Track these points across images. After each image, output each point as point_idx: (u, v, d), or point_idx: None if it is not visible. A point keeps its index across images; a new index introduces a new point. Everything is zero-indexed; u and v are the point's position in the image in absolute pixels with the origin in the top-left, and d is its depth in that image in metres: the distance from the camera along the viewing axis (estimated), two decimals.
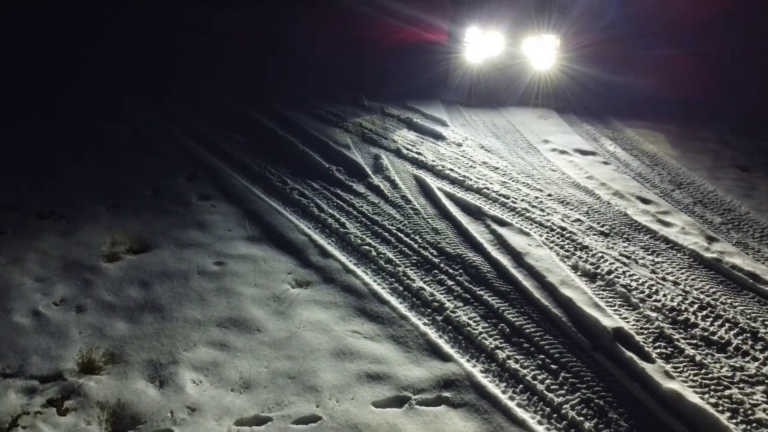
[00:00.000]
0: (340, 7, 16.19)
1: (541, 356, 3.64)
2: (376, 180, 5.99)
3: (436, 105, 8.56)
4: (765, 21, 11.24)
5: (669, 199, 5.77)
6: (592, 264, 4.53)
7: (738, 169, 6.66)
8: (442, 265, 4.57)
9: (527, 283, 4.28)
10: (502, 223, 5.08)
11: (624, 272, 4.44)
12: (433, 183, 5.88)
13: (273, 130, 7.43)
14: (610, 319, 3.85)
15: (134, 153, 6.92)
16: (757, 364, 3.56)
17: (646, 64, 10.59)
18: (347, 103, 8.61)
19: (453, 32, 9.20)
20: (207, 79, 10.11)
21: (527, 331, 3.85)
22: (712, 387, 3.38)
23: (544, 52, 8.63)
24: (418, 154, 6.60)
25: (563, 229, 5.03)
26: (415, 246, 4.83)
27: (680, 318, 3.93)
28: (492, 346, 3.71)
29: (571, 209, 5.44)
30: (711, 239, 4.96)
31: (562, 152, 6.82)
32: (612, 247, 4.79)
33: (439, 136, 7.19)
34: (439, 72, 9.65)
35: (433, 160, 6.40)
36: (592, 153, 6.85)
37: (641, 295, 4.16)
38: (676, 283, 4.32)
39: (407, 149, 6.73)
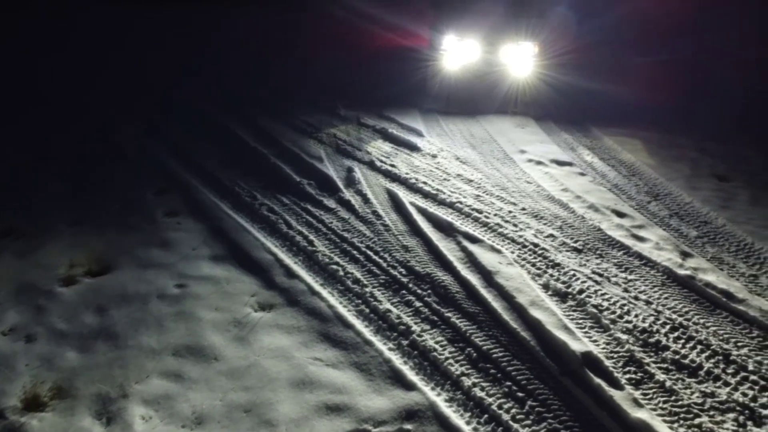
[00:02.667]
0: (322, 14, 16.08)
1: (508, 383, 3.52)
2: (348, 194, 5.86)
3: (413, 114, 8.44)
4: (734, 27, 11.28)
5: (644, 211, 5.67)
6: (563, 283, 4.41)
7: (716, 178, 6.58)
8: (410, 285, 4.45)
9: (496, 304, 4.17)
10: (474, 240, 4.96)
11: (596, 291, 4.33)
12: (406, 197, 5.75)
13: (246, 141, 7.29)
14: (579, 343, 3.74)
15: (105, 165, 6.75)
16: (728, 389, 3.46)
17: (623, 71, 10.53)
18: (324, 111, 8.48)
19: (433, 39, 9.09)
20: (184, 86, 9.94)
21: (495, 355, 3.73)
22: (682, 415, 3.27)
23: (522, 59, 8.54)
24: (392, 166, 6.47)
25: (536, 245, 4.92)
26: (384, 265, 4.70)
27: (651, 340, 3.83)
28: (458, 372, 3.59)
29: (544, 224, 5.33)
30: (685, 255, 4.87)
31: (539, 163, 6.72)
32: (584, 264, 4.68)
33: (414, 147, 7.07)
34: (417, 79, 9.54)
35: (407, 173, 6.27)
36: (569, 163, 6.75)
37: (612, 316, 4.05)
38: (648, 303, 4.22)
39: (381, 161, 6.60)
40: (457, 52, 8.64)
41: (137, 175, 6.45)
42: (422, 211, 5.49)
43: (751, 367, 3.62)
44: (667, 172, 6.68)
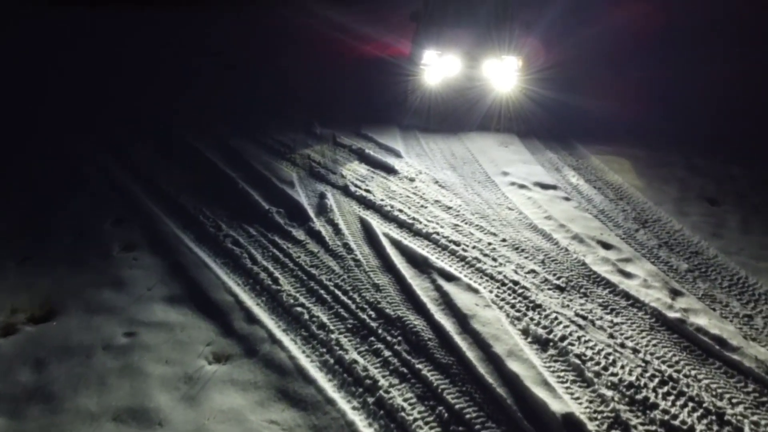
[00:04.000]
0: (300, 23, 15.77)
1: None
2: (318, 224, 5.51)
3: (391, 132, 8.10)
4: (710, 44, 11.28)
5: (632, 242, 5.36)
6: (544, 328, 4.09)
7: (706, 201, 6.29)
8: (380, 330, 4.11)
9: (471, 354, 3.84)
10: (450, 278, 4.62)
11: (579, 338, 4.01)
12: (379, 227, 5.41)
13: (214, 163, 6.92)
14: (560, 402, 3.41)
15: (63, 191, 6.36)
16: None
17: (606, 85, 10.31)
18: (299, 129, 8.12)
19: (413, 54, 8.78)
20: (151, 102, 9.56)
21: (468, 416, 3.40)
22: None
23: (505, 74, 8.24)
24: (367, 191, 6.13)
25: (515, 283, 4.59)
26: (353, 307, 4.36)
27: (639, 397, 3.51)
28: None
29: (525, 257, 5.01)
30: (675, 293, 4.56)
31: (521, 186, 6.40)
32: (567, 306, 4.36)
33: (391, 170, 6.72)
34: (397, 94, 9.24)
35: (382, 200, 5.94)
36: (553, 187, 6.43)
37: (597, 368, 3.73)
38: (635, 351, 3.90)
39: (356, 186, 6.26)
40: (438, 67, 8.31)
41: (96, 201, 6.08)
42: (396, 244, 5.15)
43: (747, 430, 3.30)
44: (655, 194, 6.39)
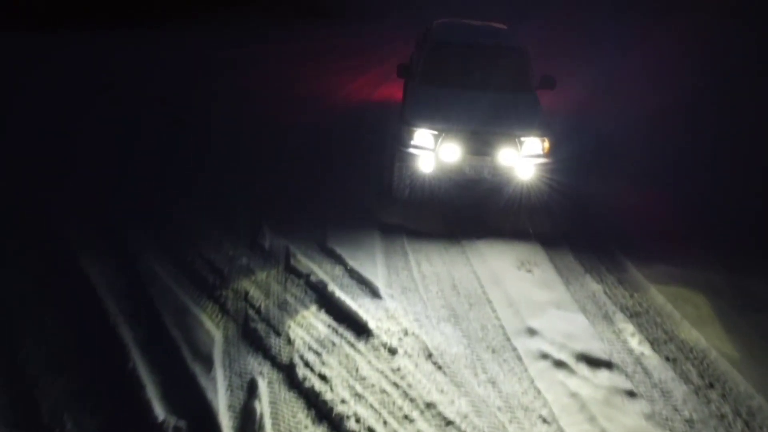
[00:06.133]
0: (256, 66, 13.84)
1: None
2: None
3: (369, 242, 5.85)
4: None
5: None
6: None
7: None
8: None
9: None
10: None
11: None
12: None
13: (105, 309, 4.67)
14: None
15: None
16: None
17: (655, 173, 8.31)
18: (240, 240, 5.80)
19: (402, 131, 6.51)
20: (51, 185, 7.08)
21: None
22: None
23: (525, 160, 6.12)
24: (322, 379, 3.94)
25: None
26: None
27: None
28: None
29: None
30: None
31: (559, 364, 4.21)
32: None
33: (362, 330, 4.48)
34: (379, 181, 7.15)
35: (344, 401, 3.75)
36: (607, 364, 4.24)
37: None
38: None
39: (306, 365, 4.06)
40: (434, 149, 6.16)
41: None
42: None
43: None
44: (761, 376, 4.23)
